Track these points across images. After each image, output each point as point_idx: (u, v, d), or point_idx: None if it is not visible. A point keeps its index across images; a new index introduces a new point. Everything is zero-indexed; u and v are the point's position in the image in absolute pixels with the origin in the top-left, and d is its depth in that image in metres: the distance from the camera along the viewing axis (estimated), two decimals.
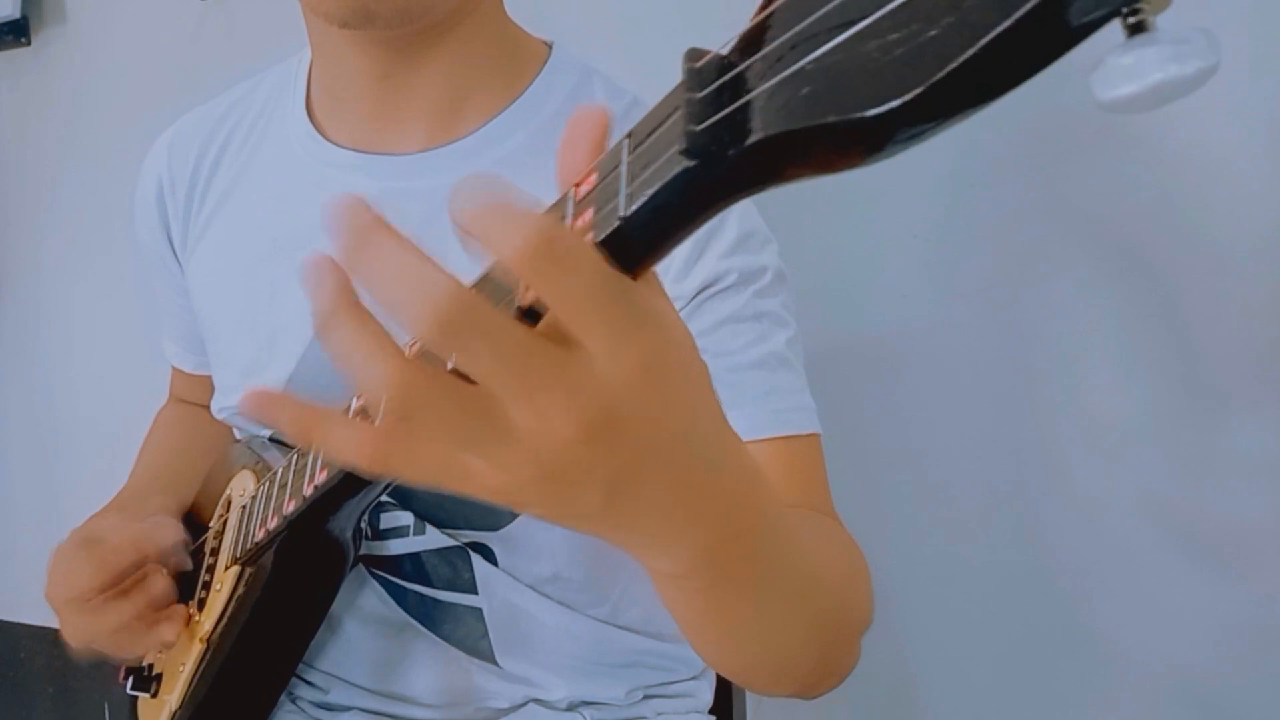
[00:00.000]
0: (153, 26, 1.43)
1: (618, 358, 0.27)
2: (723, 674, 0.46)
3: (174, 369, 0.83)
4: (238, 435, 0.71)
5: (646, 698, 0.70)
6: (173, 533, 0.60)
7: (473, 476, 0.29)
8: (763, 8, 0.25)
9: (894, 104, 0.21)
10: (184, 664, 0.59)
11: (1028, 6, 0.19)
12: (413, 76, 0.61)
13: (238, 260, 0.67)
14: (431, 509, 0.63)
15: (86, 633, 0.57)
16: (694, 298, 0.57)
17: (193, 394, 0.83)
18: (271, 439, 0.66)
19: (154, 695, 0.63)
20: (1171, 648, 0.90)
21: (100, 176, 1.51)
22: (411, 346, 0.31)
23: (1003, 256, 0.93)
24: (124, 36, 1.47)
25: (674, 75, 0.26)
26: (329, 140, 0.64)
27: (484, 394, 0.27)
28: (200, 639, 0.58)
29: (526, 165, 0.61)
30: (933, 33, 0.20)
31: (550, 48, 0.66)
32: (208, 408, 0.79)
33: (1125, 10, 0.19)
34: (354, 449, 0.30)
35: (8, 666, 1.68)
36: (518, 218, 0.25)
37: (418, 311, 0.26)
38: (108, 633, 0.57)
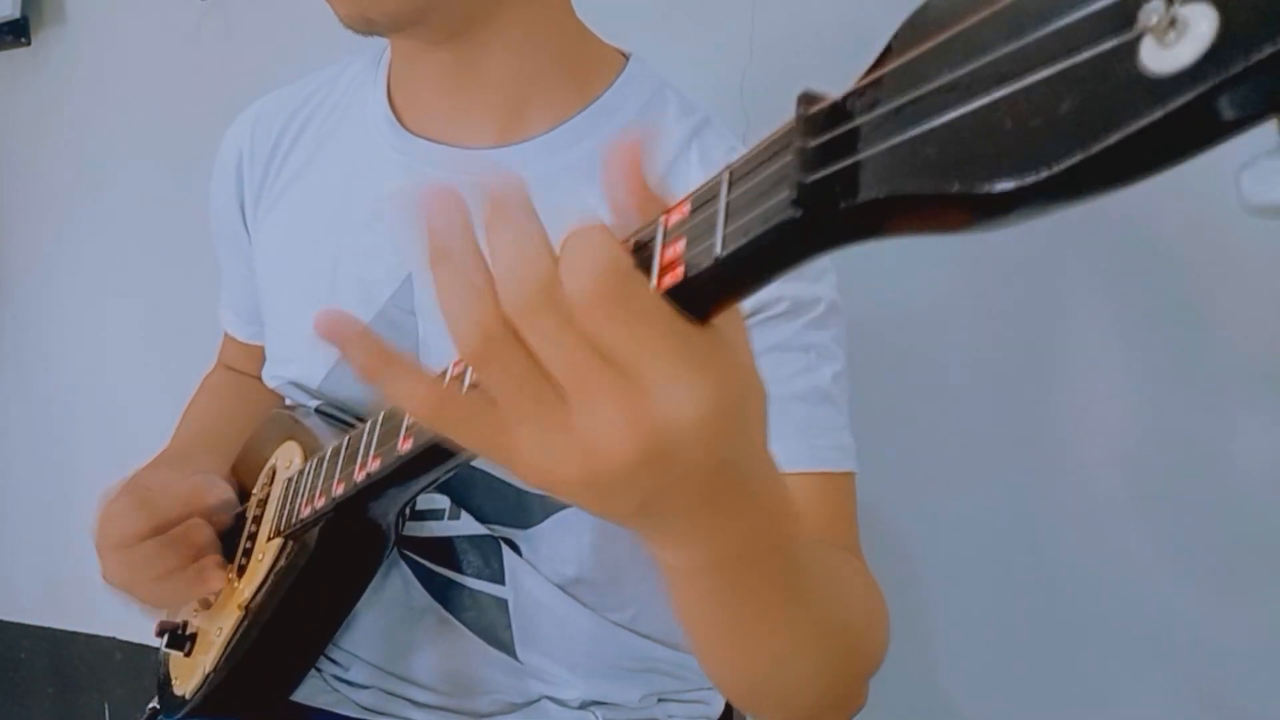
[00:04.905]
0: (153, 27, 1.44)
1: (681, 400, 0.28)
2: (727, 695, 0.47)
3: (226, 336, 0.84)
4: (288, 403, 0.72)
5: (660, 701, 0.70)
6: (221, 491, 0.61)
7: (518, 454, 0.30)
8: (884, 60, 0.24)
9: (1024, 181, 0.20)
10: (221, 628, 0.60)
11: (1183, 100, 0.18)
12: (473, 76, 0.62)
13: (304, 234, 0.68)
14: (467, 495, 0.63)
15: (128, 578, 0.58)
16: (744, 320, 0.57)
17: (241, 362, 0.84)
18: (318, 410, 0.67)
19: (187, 654, 0.64)
20: (1175, 647, 0.89)
21: (99, 176, 1.52)
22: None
23: (1004, 255, 0.92)
24: (124, 37, 1.47)
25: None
26: (407, 129, 0.65)
27: (554, 383, 0.29)
28: (239, 605, 0.59)
29: (592, 171, 0.61)
30: (1072, 110, 0.20)
31: (628, 59, 0.66)
32: (255, 376, 0.80)
33: None
34: (414, 399, 0.31)
35: (8, 666, 1.70)
36: (594, 252, 0.27)
37: (516, 277, 0.28)
38: (149, 580, 0.58)
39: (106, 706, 1.55)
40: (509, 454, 0.31)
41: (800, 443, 0.56)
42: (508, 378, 0.29)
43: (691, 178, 0.60)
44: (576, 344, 0.28)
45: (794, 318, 0.57)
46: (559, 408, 0.29)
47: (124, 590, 0.59)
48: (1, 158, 1.63)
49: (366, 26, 0.56)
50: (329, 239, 0.67)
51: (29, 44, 1.54)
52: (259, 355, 0.78)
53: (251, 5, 1.34)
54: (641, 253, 0.30)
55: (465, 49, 0.60)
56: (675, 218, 0.29)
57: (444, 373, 0.42)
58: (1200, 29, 0.18)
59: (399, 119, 0.66)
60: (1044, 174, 0.20)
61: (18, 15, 1.49)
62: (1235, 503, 0.85)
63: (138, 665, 1.52)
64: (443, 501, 0.64)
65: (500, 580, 0.65)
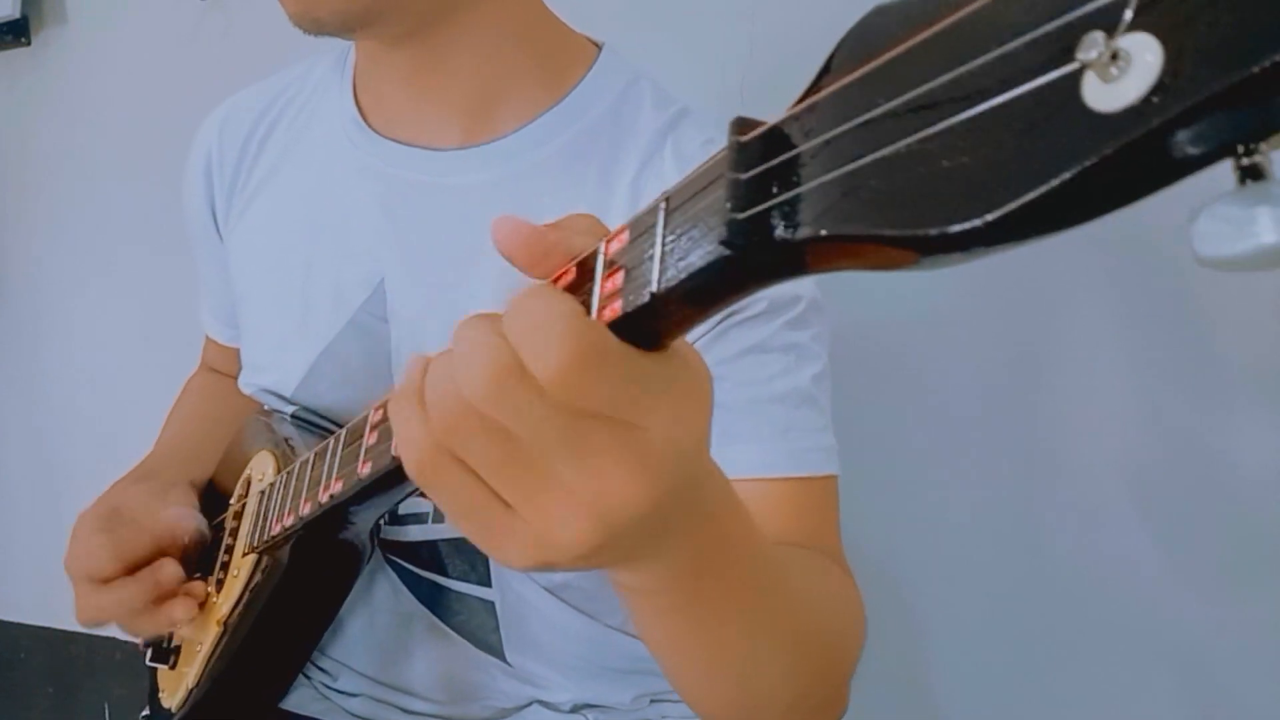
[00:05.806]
0: (152, 27, 1.42)
1: (676, 426, 0.28)
2: (705, 716, 0.46)
3: (208, 339, 0.83)
4: (265, 408, 0.71)
5: (653, 702, 0.69)
6: (192, 525, 0.60)
7: (514, 533, 0.29)
8: (818, 87, 0.22)
9: (962, 226, 0.18)
10: (201, 643, 0.60)
11: (1128, 138, 0.16)
12: (439, 75, 0.60)
13: (276, 238, 0.67)
14: None
15: (96, 610, 0.58)
16: (720, 321, 0.55)
17: (224, 364, 0.83)
18: (294, 416, 0.66)
19: (172, 667, 0.63)
20: (1173, 650, 0.88)
21: (99, 176, 1.51)
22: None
23: (1004, 254, 0.90)
24: (124, 37, 1.46)
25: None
26: (374, 130, 0.64)
27: (540, 456, 0.28)
28: (218, 621, 0.58)
29: (565, 169, 0.59)
30: (1015, 148, 0.18)
31: (600, 49, 0.63)
32: (236, 378, 0.79)
33: (1240, 149, 0.16)
34: (409, 443, 0.30)
35: (7, 666, 1.70)
36: (552, 323, 0.26)
37: (471, 365, 0.27)
38: (116, 613, 0.58)
39: (106, 706, 1.56)
40: (502, 535, 0.30)
41: (779, 446, 0.54)
42: (487, 465, 0.28)
43: (667, 178, 0.58)
44: (553, 414, 0.27)
45: (773, 317, 0.55)
46: (551, 479, 0.28)
47: (93, 621, 0.59)
48: (1, 157, 1.62)
49: (315, 27, 0.55)
50: (301, 243, 0.65)
51: (29, 44, 1.53)
52: (239, 356, 0.77)
53: (250, 6, 1.32)
54: (583, 280, 0.28)
55: (427, 49, 0.59)
56: (615, 246, 0.28)
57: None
58: (1145, 60, 0.16)
59: (366, 120, 0.64)
60: (988, 218, 0.18)
61: (18, 15, 1.48)
62: (1235, 503, 0.84)
63: (137, 665, 1.51)
64: (425, 505, 0.63)
65: (487, 583, 0.64)
